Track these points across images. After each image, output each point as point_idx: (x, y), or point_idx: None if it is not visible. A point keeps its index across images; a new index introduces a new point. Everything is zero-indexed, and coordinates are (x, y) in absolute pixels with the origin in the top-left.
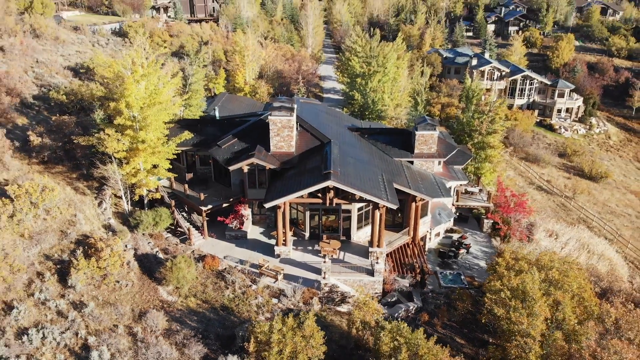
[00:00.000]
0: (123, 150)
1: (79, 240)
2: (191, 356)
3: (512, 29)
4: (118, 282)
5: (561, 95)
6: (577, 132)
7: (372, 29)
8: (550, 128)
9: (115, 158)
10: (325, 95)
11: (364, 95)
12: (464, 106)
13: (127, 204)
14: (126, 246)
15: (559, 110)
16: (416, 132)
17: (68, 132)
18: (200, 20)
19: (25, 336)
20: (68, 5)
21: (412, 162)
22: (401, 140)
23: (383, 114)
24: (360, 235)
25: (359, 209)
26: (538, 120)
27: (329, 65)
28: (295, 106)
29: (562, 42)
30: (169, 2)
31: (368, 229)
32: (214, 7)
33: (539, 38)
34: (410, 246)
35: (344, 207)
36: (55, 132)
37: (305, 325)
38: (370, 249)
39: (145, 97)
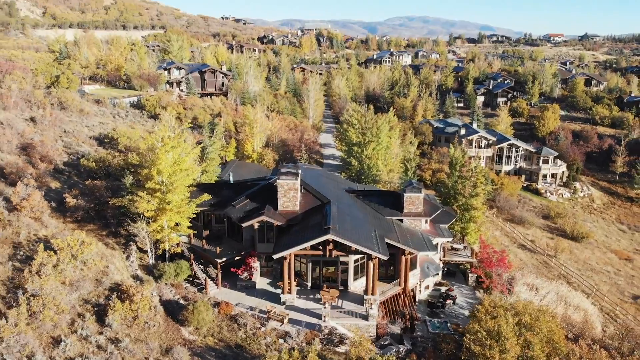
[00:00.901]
0: (152, 210)
1: (112, 288)
2: None
3: (500, 100)
4: (147, 322)
5: (545, 162)
6: (562, 196)
7: (368, 103)
8: (537, 192)
9: (144, 217)
10: (325, 161)
11: (360, 161)
12: (449, 171)
13: (152, 257)
14: (152, 293)
15: (545, 176)
16: (404, 194)
17: (99, 195)
18: (210, 94)
19: None
20: (89, 79)
21: (402, 220)
22: (392, 201)
23: (377, 178)
24: (357, 285)
25: (355, 261)
26: (525, 185)
27: (329, 134)
28: (300, 171)
29: (548, 112)
30: (182, 78)
31: (363, 279)
32: (223, 82)
33: (526, 108)
34: (402, 296)
35: (341, 259)
36: (87, 195)
37: (308, 357)
38: (365, 297)
39: (172, 165)
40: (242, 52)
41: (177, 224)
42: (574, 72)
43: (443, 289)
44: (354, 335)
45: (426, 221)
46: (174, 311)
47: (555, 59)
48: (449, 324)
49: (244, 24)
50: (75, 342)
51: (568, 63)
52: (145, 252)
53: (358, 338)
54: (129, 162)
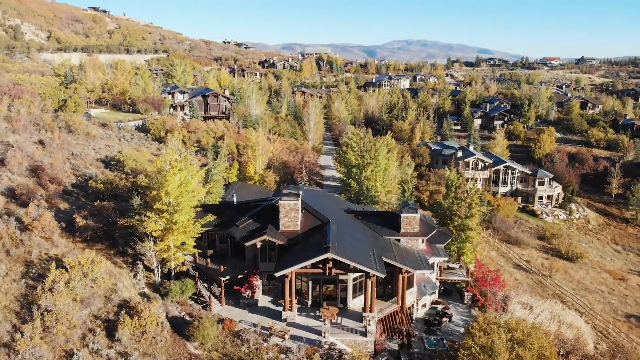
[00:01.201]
0: (159, 230)
1: (121, 304)
2: None
3: (497, 122)
4: (154, 337)
5: (541, 184)
6: (558, 217)
7: (367, 125)
8: (533, 214)
9: (151, 236)
10: (325, 183)
11: (359, 183)
12: (445, 193)
13: (158, 275)
14: (159, 310)
15: (541, 197)
16: (401, 215)
17: (107, 215)
18: (213, 117)
19: None
20: (95, 103)
21: (399, 240)
22: (389, 221)
23: (376, 199)
24: (356, 303)
25: (354, 280)
26: (521, 206)
27: (329, 155)
28: (301, 192)
29: (544, 134)
30: (186, 101)
31: (362, 297)
32: (225, 106)
33: (523, 131)
34: (399, 314)
35: (341, 277)
36: (96, 215)
37: None
38: (364, 314)
39: (179, 187)
40: (243, 75)
41: (183, 244)
42: (569, 95)
43: (440, 307)
44: (353, 350)
45: (423, 241)
46: (180, 327)
47: (551, 82)
48: (445, 341)
49: (246, 48)
50: (87, 356)
51: (564, 86)
52: (152, 270)
53: (357, 353)
54: (137, 184)
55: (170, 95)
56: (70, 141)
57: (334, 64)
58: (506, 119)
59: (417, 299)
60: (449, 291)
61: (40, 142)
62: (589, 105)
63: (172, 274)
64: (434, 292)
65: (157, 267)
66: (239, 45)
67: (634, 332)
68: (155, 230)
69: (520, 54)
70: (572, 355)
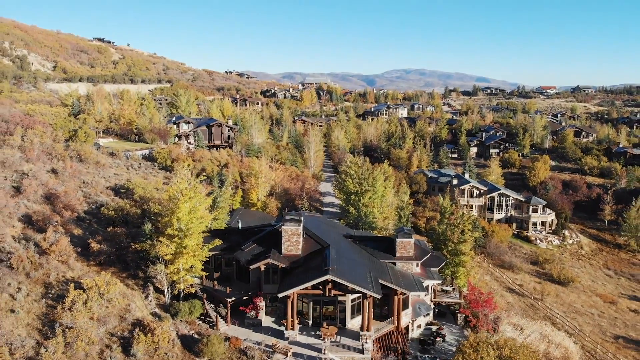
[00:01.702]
0: (170, 254)
1: (134, 323)
2: None
3: (493, 151)
4: (166, 353)
5: (535, 210)
6: (552, 243)
7: (365, 153)
8: (527, 239)
9: (162, 260)
10: (325, 209)
11: (357, 209)
12: (439, 219)
13: (168, 296)
14: (170, 328)
15: (535, 224)
16: (397, 239)
17: (119, 241)
18: (217, 146)
19: None
20: (102, 132)
21: (395, 264)
22: (386, 245)
23: (373, 225)
24: (354, 323)
25: (352, 301)
26: (516, 232)
27: (329, 183)
28: (302, 218)
29: (538, 162)
30: (190, 131)
31: (360, 318)
32: (229, 135)
33: (518, 159)
34: (395, 333)
35: (340, 298)
36: (109, 241)
37: None
38: (361, 333)
39: (188, 213)
40: (246, 105)
41: (192, 267)
42: (564, 124)
43: (434, 328)
44: None
45: (417, 264)
46: (189, 344)
47: (547, 110)
48: (438, 359)
49: (247, 78)
50: None
51: (559, 115)
52: (162, 292)
53: None
54: (149, 211)
55: (175, 125)
56: (81, 170)
57: (334, 93)
58: (502, 147)
59: (412, 320)
60: (443, 313)
61: (53, 171)
62: (583, 133)
63: (181, 295)
64: (428, 314)
65: (167, 288)
66: (240, 75)
67: (622, 352)
68: (166, 254)
69: (518, 82)
70: None
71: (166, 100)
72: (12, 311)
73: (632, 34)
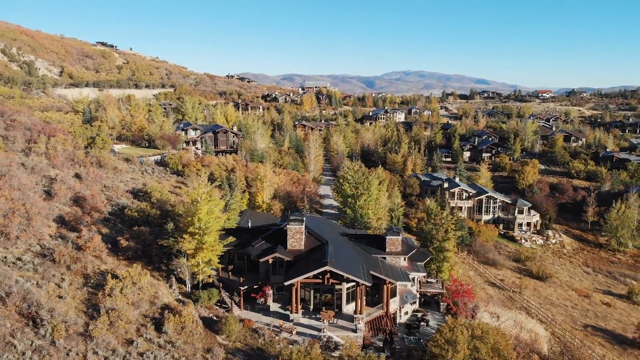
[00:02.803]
0: (192, 249)
1: (163, 307)
2: None
3: (485, 155)
4: (191, 331)
5: (520, 212)
6: (536, 242)
7: (363, 157)
8: (513, 239)
9: (185, 254)
10: (324, 210)
11: (353, 210)
12: (426, 219)
13: (189, 286)
14: (193, 311)
15: (520, 224)
16: (386, 237)
17: (144, 238)
18: (223, 152)
19: (143, 356)
20: (116, 139)
21: (385, 258)
22: (377, 242)
23: (368, 225)
24: (349, 308)
25: (347, 289)
26: (502, 232)
27: (328, 186)
28: (304, 218)
29: (528, 166)
30: (198, 137)
31: (354, 304)
32: (234, 141)
33: (508, 163)
34: (384, 317)
35: (337, 287)
36: (134, 238)
37: (312, 352)
38: (355, 316)
39: (207, 214)
40: (247, 109)
41: (210, 260)
42: (554, 129)
43: (419, 314)
44: (345, 342)
45: (404, 259)
46: (210, 325)
47: (542, 114)
48: (422, 340)
49: (248, 82)
50: (143, 342)
51: (552, 120)
52: (183, 282)
53: (348, 344)
54: (170, 212)
55: (183, 132)
56: (101, 175)
57: (333, 97)
58: (494, 151)
59: (400, 307)
60: (428, 302)
61: (77, 176)
62: (573, 138)
63: (200, 284)
64: (414, 302)
65: (188, 279)
66: (241, 79)
67: (589, 339)
68: (189, 249)
69: (518, 84)
70: (519, 348)
71: (171, 105)
72: (60, 297)
73: (632, 33)
